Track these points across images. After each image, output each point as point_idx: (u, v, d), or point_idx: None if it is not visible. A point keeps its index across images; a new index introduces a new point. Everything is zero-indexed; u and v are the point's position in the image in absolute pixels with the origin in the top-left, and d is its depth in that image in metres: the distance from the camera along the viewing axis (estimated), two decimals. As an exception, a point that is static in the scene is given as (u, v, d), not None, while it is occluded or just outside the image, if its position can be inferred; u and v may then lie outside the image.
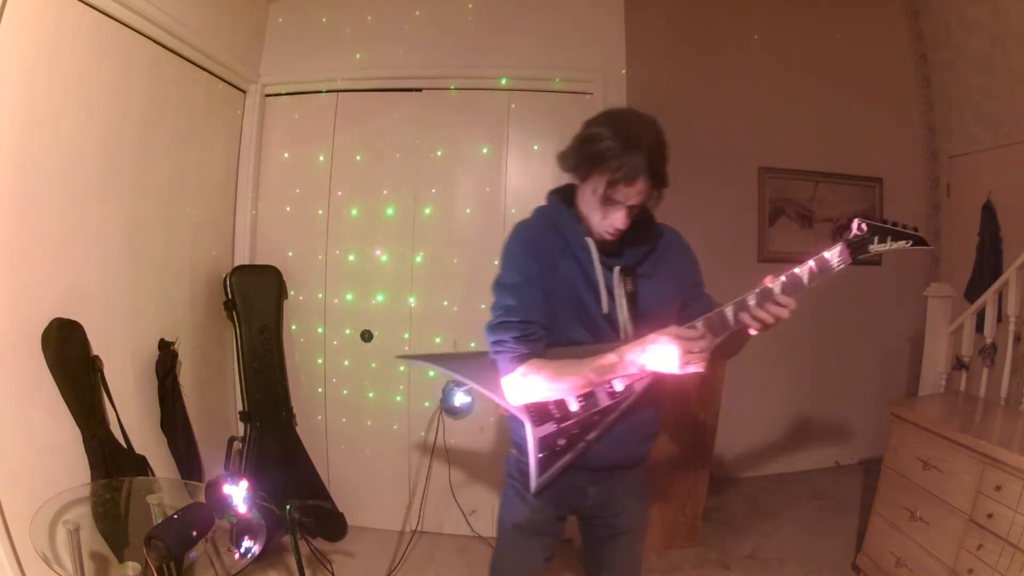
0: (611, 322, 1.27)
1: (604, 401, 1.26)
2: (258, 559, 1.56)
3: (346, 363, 2.78)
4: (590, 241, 1.25)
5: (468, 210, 2.71)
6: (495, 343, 1.23)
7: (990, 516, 1.80)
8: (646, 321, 1.26)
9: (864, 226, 1.15)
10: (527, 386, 1.20)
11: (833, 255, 1.15)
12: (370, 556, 2.55)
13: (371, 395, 2.78)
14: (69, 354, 1.68)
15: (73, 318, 1.71)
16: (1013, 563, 1.70)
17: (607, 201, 1.17)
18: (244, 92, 2.69)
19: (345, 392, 2.79)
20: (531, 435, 1.28)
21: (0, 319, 1.53)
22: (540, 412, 1.28)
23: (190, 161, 2.37)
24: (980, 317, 2.51)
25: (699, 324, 1.18)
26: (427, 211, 2.71)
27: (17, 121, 1.55)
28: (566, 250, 1.28)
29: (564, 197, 1.33)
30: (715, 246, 2.44)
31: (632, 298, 1.27)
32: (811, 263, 1.14)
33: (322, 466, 2.76)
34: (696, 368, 1.13)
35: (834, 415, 3.64)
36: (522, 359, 1.20)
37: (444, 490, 2.60)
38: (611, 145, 1.13)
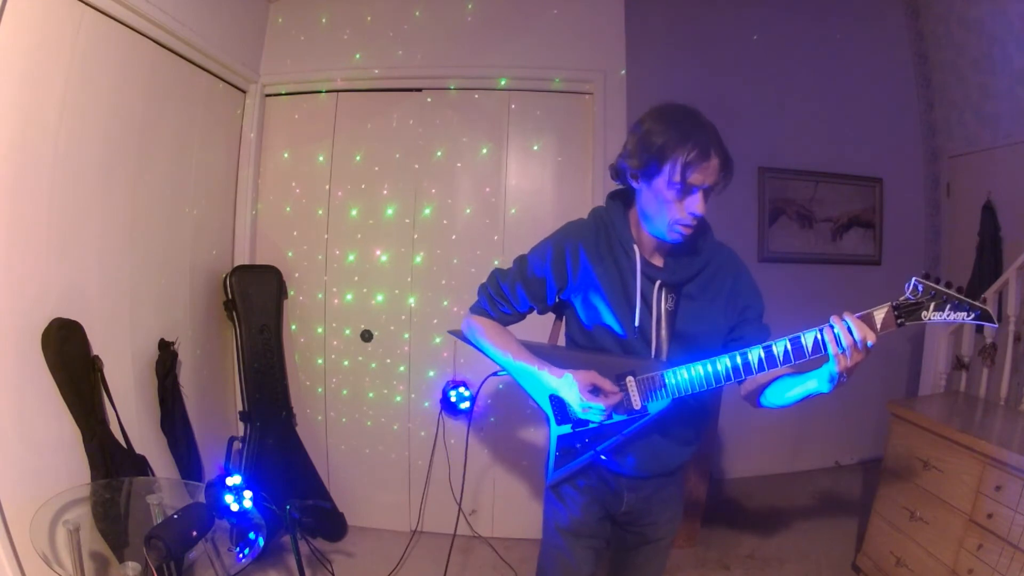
0: (644, 338, 1.23)
1: (620, 415, 1.24)
2: (258, 559, 1.55)
3: (346, 363, 2.78)
4: (636, 248, 1.24)
5: (468, 210, 2.71)
6: (477, 300, 1.40)
7: (990, 516, 1.80)
8: (683, 344, 1.23)
9: (921, 288, 0.98)
10: (470, 324, 1.39)
11: (879, 316, 1.00)
12: (370, 556, 2.55)
13: (371, 395, 2.78)
14: (69, 354, 1.68)
15: (73, 318, 1.71)
16: (1013, 563, 1.70)
17: (684, 188, 1.13)
18: (244, 92, 2.69)
19: (345, 392, 2.79)
20: (552, 432, 1.34)
21: (0, 319, 1.52)
22: (561, 411, 1.30)
23: (190, 161, 2.37)
24: (980, 317, 2.51)
25: (632, 385, 1.20)
26: (427, 211, 2.71)
27: (17, 121, 1.55)
28: (608, 255, 1.26)
29: (619, 200, 1.30)
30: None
31: (670, 317, 1.23)
32: (845, 319, 1.02)
33: (322, 466, 2.76)
34: (594, 415, 1.18)
35: (834, 415, 3.63)
36: (482, 313, 1.39)
37: (444, 490, 2.60)
38: (674, 132, 1.12)
